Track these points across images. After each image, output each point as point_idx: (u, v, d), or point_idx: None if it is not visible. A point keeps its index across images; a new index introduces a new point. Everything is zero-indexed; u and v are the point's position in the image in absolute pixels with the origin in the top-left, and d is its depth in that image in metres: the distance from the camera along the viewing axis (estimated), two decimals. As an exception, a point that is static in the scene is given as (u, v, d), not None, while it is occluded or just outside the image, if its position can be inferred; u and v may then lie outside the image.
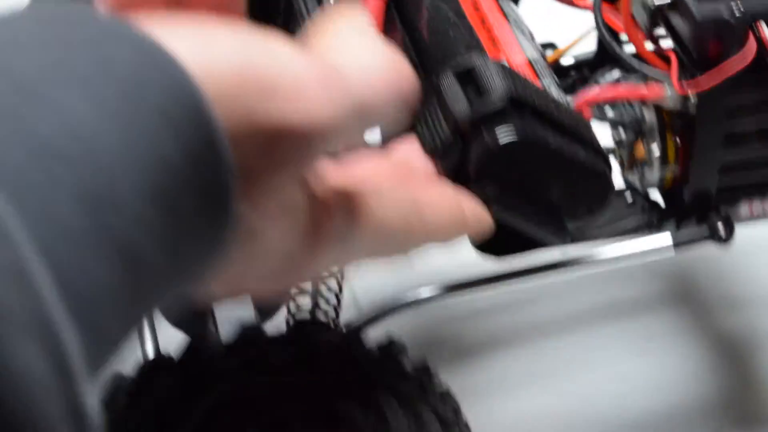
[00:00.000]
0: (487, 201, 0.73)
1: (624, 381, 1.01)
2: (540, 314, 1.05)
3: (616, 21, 0.84)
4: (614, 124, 0.83)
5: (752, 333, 1.04)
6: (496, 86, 0.73)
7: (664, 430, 0.98)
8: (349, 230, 0.48)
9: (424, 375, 0.76)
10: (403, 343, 0.77)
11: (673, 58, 0.78)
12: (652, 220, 0.84)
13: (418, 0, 0.85)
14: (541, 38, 1.00)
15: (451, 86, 0.75)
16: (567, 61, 1.00)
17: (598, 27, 0.81)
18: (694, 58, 0.78)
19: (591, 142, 0.75)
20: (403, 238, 0.58)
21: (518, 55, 0.82)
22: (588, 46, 0.98)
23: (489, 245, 0.80)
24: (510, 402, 1.00)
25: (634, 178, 0.85)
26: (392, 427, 0.72)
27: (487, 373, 1.02)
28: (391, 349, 0.76)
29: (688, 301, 1.07)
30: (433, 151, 0.75)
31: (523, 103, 0.72)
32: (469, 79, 0.76)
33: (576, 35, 0.98)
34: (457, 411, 0.76)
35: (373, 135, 0.77)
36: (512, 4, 0.91)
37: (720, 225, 0.83)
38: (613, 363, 1.03)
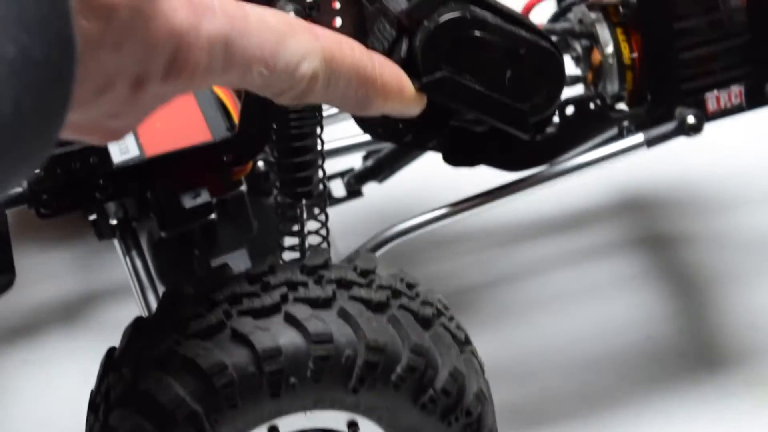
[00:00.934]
0: (440, 89, 0.75)
1: (601, 318, 1.03)
2: (518, 254, 1.07)
3: None
4: (565, 34, 0.86)
5: (731, 269, 1.05)
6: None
7: (640, 366, 0.99)
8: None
9: (398, 282, 0.76)
10: (373, 257, 0.78)
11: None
12: (621, 123, 0.85)
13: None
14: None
15: (391, -5, 0.78)
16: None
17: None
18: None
19: (532, 26, 0.77)
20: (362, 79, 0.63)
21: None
22: None
23: (460, 155, 0.82)
24: (487, 337, 1.00)
25: (600, 92, 0.86)
26: (368, 334, 0.72)
27: (468, 307, 1.03)
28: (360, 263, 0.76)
29: (665, 239, 1.09)
30: (383, 52, 0.77)
31: (459, -10, 0.75)
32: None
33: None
34: (437, 307, 0.76)
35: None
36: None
37: (689, 116, 0.84)
38: (589, 301, 1.04)
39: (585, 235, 1.09)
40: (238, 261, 0.83)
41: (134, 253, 0.85)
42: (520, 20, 0.76)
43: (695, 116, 0.84)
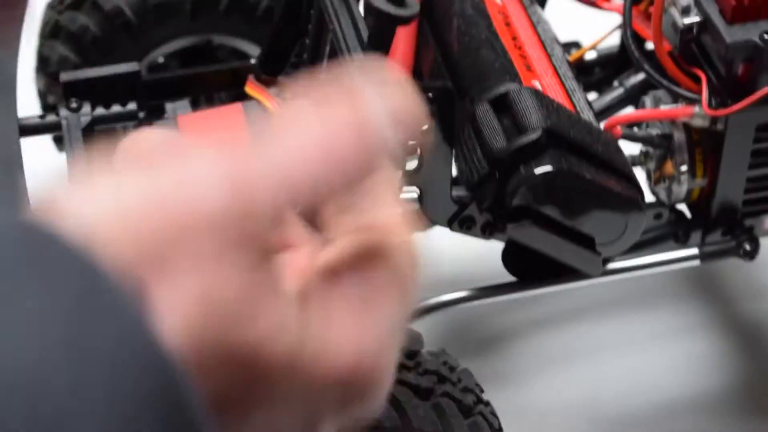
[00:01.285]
0: (522, 231, 0.76)
1: (633, 372, 1.03)
2: (551, 304, 1.07)
3: (644, 28, 0.85)
4: (644, 143, 0.85)
5: (760, 325, 1.06)
6: (532, 118, 0.74)
7: (670, 422, 1.00)
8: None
9: (442, 366, 0.78)
10: (419, 336, 0.79)
11: (703, 79, 0.79)
12: (678, 231, 0.86)
13: (448, 12, 0.85)
14: (566, 35, 1.01)
15: (486, 115, 0.76)
16: (591, 55, 1.00)
17: (627, 45, 0.82)
18: (723, 79, 0.79)
19: (624, 172, 0.76)
20: None
21: (549, 73, 0.82)
22: (612, 39, 0.99)
23: (521, 267, 0.82)
24: (520, 391, 1.02)
25: (661, 191, 0.86)
26: (414, 422, 0.74)
27: (498, 362, 1.04)
28: (408, 345, 0.77)
29: (699, 293, 1.09)
30: (470, 181, 0.77)
31: (558, 134, 0.73)
32: (504, 107, 0.77)
33: (600, 29, 0.99)
34: (476, 394, 0.79)
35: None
36: (538, 9, 0.91)
37: (746, 242, 0.85)
38: (622, 354, 1.05)
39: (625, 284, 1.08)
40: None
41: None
42: (613, 164, 0.76)
43: (751, 244, 0.85)
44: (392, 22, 0.71)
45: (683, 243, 0.86)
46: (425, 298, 0.86)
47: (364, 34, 0.79)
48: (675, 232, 0.86)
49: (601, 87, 1.00)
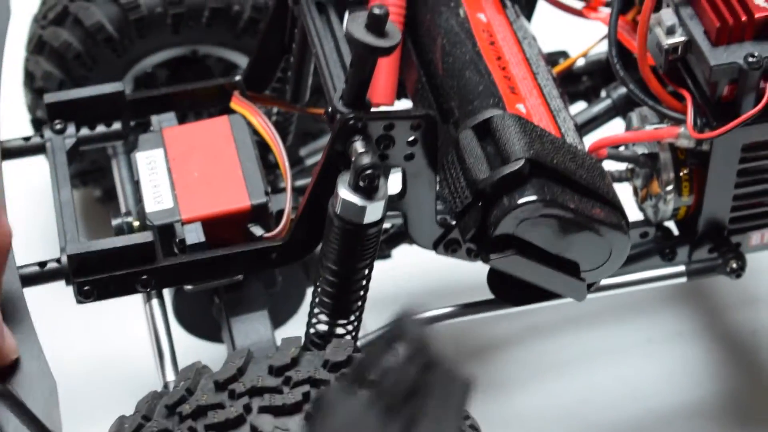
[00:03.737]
0: (506, 261, 0.75)
1: (625, 380, 1.03)
2: (543, 313, 1.06)
3: (630, 39, 0.84)
4: (629, 162, 0.84)
5: (754, 333, 1.06)
6: (514, 147, 0.74)
7: (663, 429, 1.00)
8: None
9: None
10: None
11: (688, 100, 0.79)
12: (664, 249, 0.86)
13: (433, 30, 0.85)
14: (553, 44, 1.00)
15: (469, 142, 0.76)
16: (579, 63, 0.99)
17: (612, 64, 0.81)
18: (708, 100, 0.78)
19: (608, 198, 0.76)
20: None
21: (534, 94, 0.82)
22: (601, 46, 0.98)
23: (507, 293, 0.82)
24: (512, 400, 1.02)
25: (648, 208, 0.86)
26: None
27: (491, 372, 1.04)
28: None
29: (691, 301, 1.09)
30: (453, 209, 0.76)
31: (541, 163, 0.73)
32: (487, 133, 0.76)
33: (588, 36, 0.99)
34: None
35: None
36: (524, 22, 0.91)
37: (732, 259, 0.84)
38: (614, 362, 1.05)
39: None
40: (258, 325, 0.83)
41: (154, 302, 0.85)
42: (597, 191, 0.75)
43: (738, 262, 0.85)
44: (372, 53, 0.71)
45: (670, 260, 0.86)
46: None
47: (347, 59, 0.79)
48: (662, 249, 0.86)
49: (589, 96, 1.00)
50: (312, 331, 0.79)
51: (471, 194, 0.74)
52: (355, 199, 0.72)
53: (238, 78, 0.91)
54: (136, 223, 0.83)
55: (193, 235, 0.79)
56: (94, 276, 0.77)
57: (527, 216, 0.72)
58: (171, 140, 0.87)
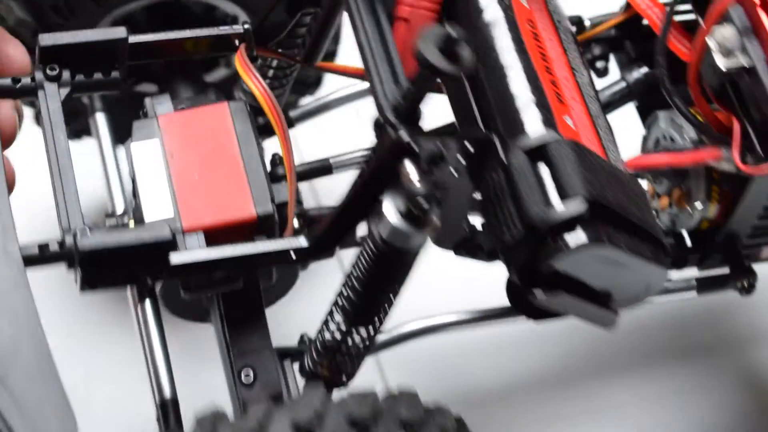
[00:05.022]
0: (550, 295, 0.73)
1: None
2: (556, 358, 1.04)
3: (680, 48, 0.80)
4: (661, 175, 0.82)
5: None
6: (574, 182, 0.70)
7: None
8: None
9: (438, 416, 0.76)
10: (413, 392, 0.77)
11: (737, 127, 0.76)
12: (677, 257, 0.84)
13: (474, 18, 0.79)
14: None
15: (522, 170, 0.71)
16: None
17: (662, 82, 0.77)
18: (759, 131, 0.75)
19: (656, 237, 0.73)
20: None
21: (577, 99, 0.78)
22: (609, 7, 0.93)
23: (528, 307, 0.80)
24: None
25: (665, 215, 0.84)
26: None
27: (500, 418, 1.02)
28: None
29: (711, 349, 1.07)
30: (501, 240, 0.72)
31: (600, 205, 0.70)
32: (540, 158, 0.72)
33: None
34: None
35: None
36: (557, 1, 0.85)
37: (744, 276, 0.84)
38: (630, 414, 1.04)
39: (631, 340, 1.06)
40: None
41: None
42: (646, 230, 0.72)
43: (749, 281, 0.84)
44: (439, 76, 0.65)
45: (679, 267, 0.85)
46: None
47: (394, 56, 0.73)
48: (674, 257, 0.84)
49: (594, 64, 0.95)
50: (327, 336, 0.75)
51: (524, 229, 0.70)
52: (406, 227, 0.68)
53: (247, 26, 0.83)
54: (132, 224, 0.77)
55: (195, 245, 0.74)
56: (105, 269, 0.71)
57: (583, 258, 0.70)
58: (167, 130, 0.80)
